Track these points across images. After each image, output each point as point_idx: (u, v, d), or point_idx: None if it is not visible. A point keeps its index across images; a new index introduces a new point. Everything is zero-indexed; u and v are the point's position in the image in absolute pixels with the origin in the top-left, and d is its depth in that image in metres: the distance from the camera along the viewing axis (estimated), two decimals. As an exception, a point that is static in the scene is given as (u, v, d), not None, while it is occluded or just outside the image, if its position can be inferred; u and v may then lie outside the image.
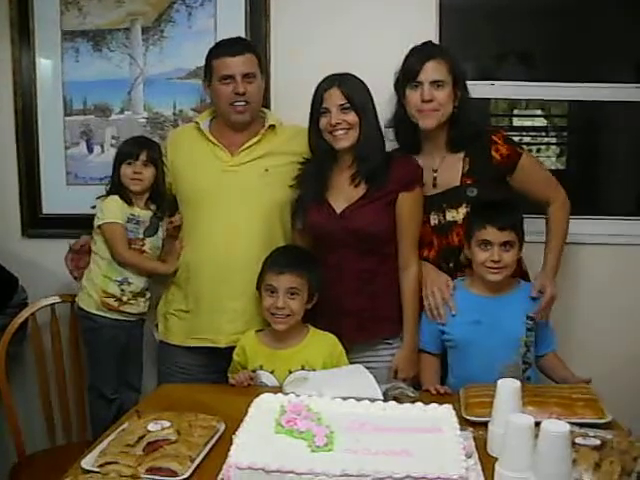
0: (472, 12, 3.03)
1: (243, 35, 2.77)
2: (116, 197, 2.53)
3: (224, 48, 2.52)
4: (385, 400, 1.84)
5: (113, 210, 2.52)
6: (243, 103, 2.49)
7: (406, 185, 2.37)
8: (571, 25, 3.23)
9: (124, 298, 2.57)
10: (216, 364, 2.47)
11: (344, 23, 2.81)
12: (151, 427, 1.77)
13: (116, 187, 2.55)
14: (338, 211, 2.40)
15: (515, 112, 4.70)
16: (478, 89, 2.53)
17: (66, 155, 2.98)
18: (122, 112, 2.95)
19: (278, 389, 2.09)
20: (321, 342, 2.34)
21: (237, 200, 2.49)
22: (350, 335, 2.38)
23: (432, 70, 2.38)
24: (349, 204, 2.39)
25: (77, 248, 2.66)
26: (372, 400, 1.76)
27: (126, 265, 2.55)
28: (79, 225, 2.67)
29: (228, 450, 1.48)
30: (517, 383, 1.78)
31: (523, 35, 3.24)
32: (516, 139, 2.64)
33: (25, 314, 2.71)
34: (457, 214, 2.43)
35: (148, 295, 2.65)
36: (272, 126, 2.58)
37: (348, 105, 2.33)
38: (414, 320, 2.41)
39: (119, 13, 2.89)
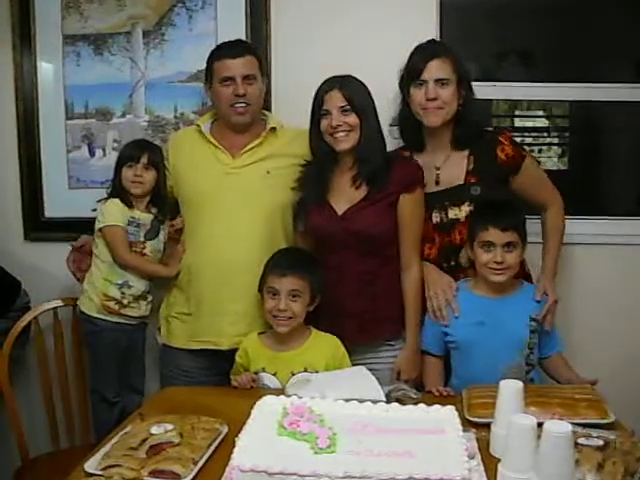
0: (472, 12, 3.02)
1: (244, 38, 2.77)
2: (117, 200, 2.54)
3: (225, 50, 2.53)
4: (388, 401, 1.84)
5: (114, 213, 2.52)
6: (243, 105, 2.49)
7: (407, 186, 2.37)
8: (572, 25, 3.22)
9: (125, 301, 2.57)
10: (218, 367, 2.47)
11: (344, 25, 2.81)
12: (154, 430, 1.77)
13: (117, 190, 2.56)
14: (339, 213, 2.40)
15: (516, 113, 4.69)
16: (479, 90, 2.53)
17: (68, 159, 2.98)
18: (123, 116, 2.95)
19: (281, 391, 2.09)
20: (323, 344, 2.34)
21: (239, 202, 2.49)
22: (352, 337, 2.38)
23: (436, 68, 2.38)
24: (350, 206, 2.39)
25: (78, 246, 2.66)
26: (375, 402, 1.75)
27: (127, 268, 2.55)
28: (81, 228, 2.67)
29: (231, 452, 1.48)
30: (519, 384, 1.78)
31: (524, 35, 3.23)
32: (518, 140, 2.64)
33: (28, 317, 2.71)
34: (460, 212, 2.43)
35: (150, 298, 2.65)
36: (273, 128, 2.58)
37: (349, 107, 2.33)
38: (416, 321, 2.41)
39: (120, 17, 2.89)
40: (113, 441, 1.80)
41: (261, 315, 2.42)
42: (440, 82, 2.38)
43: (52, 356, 2.80)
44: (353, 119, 2.33)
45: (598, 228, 2.89)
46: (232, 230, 2.48)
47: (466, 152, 2.47)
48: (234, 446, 1.51)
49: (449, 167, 2.47)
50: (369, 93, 2.38)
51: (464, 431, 1.62)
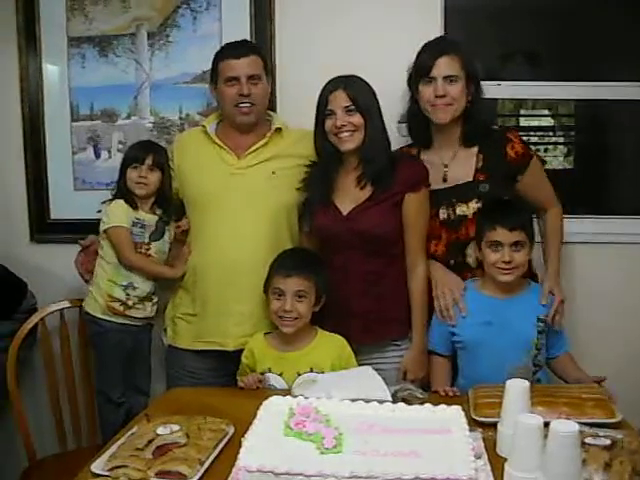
0: (477, 12, 3.02)
1: (248, 39, 2.77)
2: (121, 201, 2.54)
3: (229, 50, 2.53)
4: (394, 401, 1.84)
5: (118, 214, 2.53)
6: (248, 104, 2.49)
7: (412, 186, 2.37)
8: (576, 24, 3.22)
9: (130, 302, 2.57)
10: (224, 367, 2.47)
11: (349, 25, 2.81)
12: (160, 431, 1.77)
13: (122, 191, 2.56)
14: (344, 213, 2.40)
15: (522, 112, 4.68)
16: (484, 89, 2.52)
17: (73, 160, 2.99)
18: (129, 117, 2.95)
19: (287, 392, 2.09)
20: (329, 344, 2.34)
21: (244, 203, 2.49)
22: (357, 337, 2.38)
23: (445, 65, 2.38)
24: (355, 206, 2.39)
25: (86, 245, 2.66)
26: (381, 402, 1.75)
27: (133, 269, 2.56)
28: (87, 230, 2.68)
29: (237, 453, 1.48)
30: (526, 383, 1.78)
31: (529, 35, 3.22)
32: (523, 139, 2.64)
33: (34, 319, 2.72)
34: (467, 209, 2.43)
35: (155, 299, 2.66)
36: (279, 129, 2.58)
37: (353, 107, 2.33)
38: (422, 321, 2.41)
39: (125, 19, 2.90)
40: (119, 442, 1.81)
41: (266, 316, 2.41)
42: (449, 79, 2.38)
43: (59, 357, 2.80)
44: (358, 119, 2.33)
45: (604, 227, 2.89)
46: (237, 230, 2.48)
47: (475, 149, 2.47)
48: (240, 446, 1.51)
49: (457, 164, 2.47)
50: (374, 93, 2.38)
51: (470, 431, 1.62)
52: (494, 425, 1.81)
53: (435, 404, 1.73)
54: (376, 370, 2.18)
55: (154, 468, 1.64)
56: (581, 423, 1.59)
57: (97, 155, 2.98)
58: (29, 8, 2.90)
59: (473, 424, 1.82)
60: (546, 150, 4.67)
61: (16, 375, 2.63)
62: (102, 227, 2.56)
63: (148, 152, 2.56)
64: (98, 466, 1.69)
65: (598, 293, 2.82)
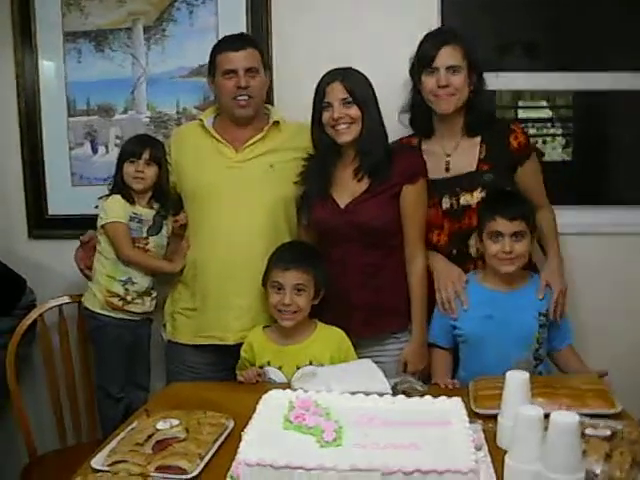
0: (474, 3, 3.02)
1: (245, 32, 2.76)
2: (118, 197, 2.54)
3: (227, 43, 2.53)
4: (394, 394, 1.84)
5: (115, 209, 2.52)
6: (246, 97, 2.49)
7: (409, 177, 2.37)
8: (574, 13, 3.22)
9: (128, 297, 2.57)
10: (224, 362, 2.47)
11: (345, 17, 2.81)
12: (160, 425, 1.77)
13: (119, 186, 2.56)
14: (342, 206, 2.40)
15: (520, 104, 4.68)
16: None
17: (70, 156, 2.99)
18: (125, 112, 2.95)
19: (286, 385, 2.09)
20: (329, 337, 2.34)
21: (242, 196, 2.48)
22: (357, 330, 2.38)
23: (447, 55, 2.38)
24: (353, 198, 2.39)
25: (85, 240, 2.65)
26: (381, 394, 1.75)
27: (131, 264, 2.55)
28: (85, 225, 2.67)
29: (237, 447, 1.48)
30: (526, 375, 1.78)
31: (526, 25, 3.22)
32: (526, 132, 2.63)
33: (33, 315, 2.72)
34: (472, 198, 2.42)
35: (154, 294, 2.65)
36: (276, 122, 2.58)
37: (350, 99, 2.32)
38: (422, 313, 2.41)
39: (120, 13, 2.89)
40: (119, 437, 1.81)
41: (265, 309, 2.41)
42: (451, 69, 2.38)
43: (58, 353, 2.80)
44: (355, 111, 2.33)
45: (602, 217, 2.88)
46: (236, 224, 2.47)
47: (477, 139, 2.47)
48: (240, 441, 1.50)
49: (460, 154, 2.47)
50: (370, 85, 2.37)
51: (471, 423, 1.61)
52: (494, 417, 1.81)
53: (435, 396, 1.73)
54: (376, 363, 2.18)
55: (154, 463, 1.64)
56: (581, 414, 1.58)
57: (94, 150, 2.98)
58: (24, 4, 2.90)
59: (473, 416, 1.82)
60: (545, 142, 4.67)
61: (16, 371, 2.63)
62: (99, 223, 2.56)
63: (145, 146, 2.56)
64: (98, 461, 1.69)
65: (597, 284, 2.81)
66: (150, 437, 1.74)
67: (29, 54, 2.92)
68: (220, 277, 2.49)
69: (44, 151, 2.98)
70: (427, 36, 2.46)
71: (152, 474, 1.61)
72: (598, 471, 1.55)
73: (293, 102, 2.68)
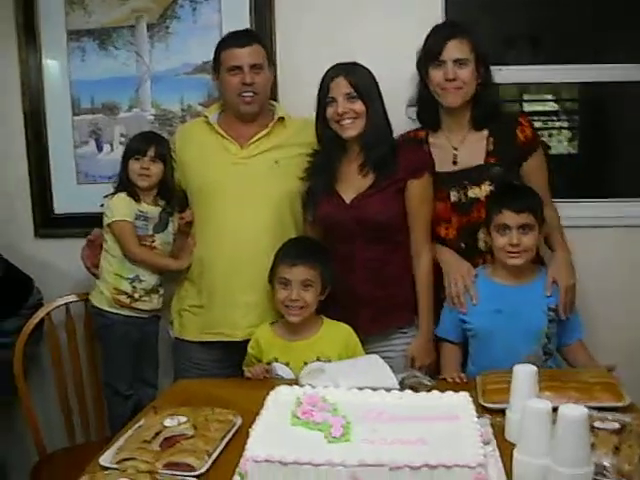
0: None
1: (249, 28, 2.76)
2: (123, 195, 2.54)
3: (232, 39, 2.53)
4: (401, 389, 1.84)
5: (121, 208, 2.52)
6: (251, 94, 2.49)
7: (414, 172, 2.37)
8: (578, 6, 3.20)
9: (136, 295, 2.57)
10: (231, 359, 2.47)
11: (349, 12, 2.80)
12: (167, 423, 1.77)
13: (124, 183, 2.56)
14: (347, 201, 2.39)
15: (525, 97, 4.67)
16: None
17: (76, 154, 2.99)
18: (130, 110, 2.95)
19: (294, 381, 2.09)
20: (336, 333, 2.34)
21: (247, 193, 2.49)
22: (365, 327, 2.38)
23: (455, 49, 2.38)
24: (358, 194, 2.39)
25: (93, 238, 2.65)
26: (388, 389, 1.75)
27: (138, 262, 2.55)
28: (91, 224, 2.67)
29: (245, 444, 1.48)
30: (534, 368, 1.77)
31: (530, 18, 3.21)
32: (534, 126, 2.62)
33: (40, 314, 2.72)
34: (480, 191, 2.42)
35: (161, 291, 2.66)
36: (281, 118, 2.58)
37: (355, 94, 2.32)
38: (429, 308, 2.41)
39: (123, 11, 2.89)
40: (127, 435, 1.81)
41: (272, 306, 2.41)
42: (459, 62, 2.37)
43: (66, 352, 2.81)
44: (359, 106, 2.32)
45: (608, 211, 2.87)
46: (241, 220, 2.47)
47: (485, 132, 2.46)
48: (248, 437, 1.50)
49: (467, 147, 2.47)
50: (374, 79, 2.37)
51: (479, 417, 1.61)
52: (502, 411, 1.81)
53: (443, 391, 1.72)
54: (383, 358, 2.17)
55: (162, 460, 1.64)
56: (590, 407, 1.58)
57: (99, 148, 2.98)
58: (28, 3, 2.89)
59: (481, 410, 1.82)
60: (550, 135, 4.66)
61: (24, 370, 2.64)
62: (105, 221, 2.56)
63: (150, 143, 2.56)
64: (106, 459, 1.69)
65: (602, 277, 2.80)
66: (158, 434, 1.74)
67: (33, 53, 2.92)
68: (227, 274, 2.49)
69: (49, 150, 2.98)
70: (434, 29, 2.46)
71: (160, 471, 1.61)
72: (607, 464, 1.54)
73: (297, 98, 2.68)
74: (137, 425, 1.85)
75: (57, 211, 3.02)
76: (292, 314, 2.30)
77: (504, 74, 2.81)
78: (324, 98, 2.36)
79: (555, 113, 4.71)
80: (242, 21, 2.79)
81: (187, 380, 2.42)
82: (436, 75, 2.40)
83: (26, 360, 2.67)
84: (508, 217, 2.25)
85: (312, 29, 2.82)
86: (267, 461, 1.39)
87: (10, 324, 2.71)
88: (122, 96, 2.94)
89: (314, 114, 2.42)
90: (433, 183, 2.42)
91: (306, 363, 2.25)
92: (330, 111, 2.35)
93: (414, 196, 2.37)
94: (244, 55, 2.47)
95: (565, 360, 2.41)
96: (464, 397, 1.67)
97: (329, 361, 2.23)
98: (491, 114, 2.46)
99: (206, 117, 2.60)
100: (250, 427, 1.57)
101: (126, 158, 2.56)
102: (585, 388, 1.93)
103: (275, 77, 2.73)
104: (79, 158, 2.99)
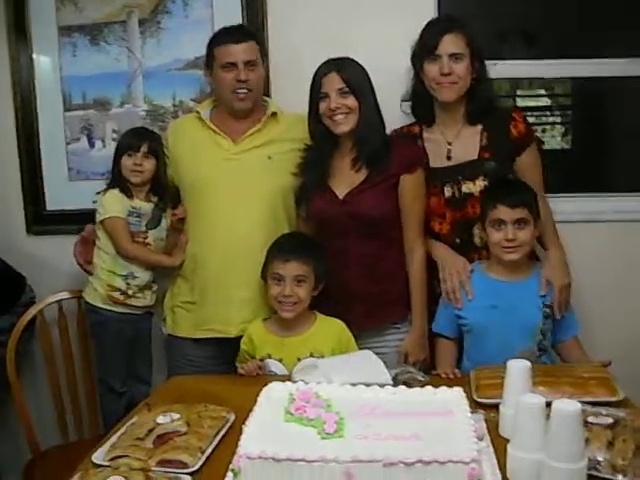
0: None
1: (243, 24, 2.75)
2: (115, 191, 2.53)
3: (226, 36, 2.51)
4: (395, 385, 1.83)
5: (113, 204, 2.51)
6: (245, 91, 2.48)
7: (407, 167, 2.36)
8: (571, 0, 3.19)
9: (130, 292, 2.57)
10: (224, 355, 2.47)
11: (342, 7, 2.79)
12: (160, 420, 1.77)
13: (116, 179, 2.55)
14: (340, 197, 2.39)
15: (518, 92, 4.66)
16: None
17: (67, 151, 2.97)
18: (122, 105, 2.93)
19: (287, 377, 2.08)
20: (329, 328, 2.33)
21: (240, 188, 2.48)
22: (359, 322, 2.38)
23: (450, 43, 2.37)
24: (351, 189, 2.38)
25: (87, 235, 2.64)
26: (382, 385, 1.74)
27: (131, 259, 2.54)
28: (83, 220, 2.66)
29: (238, 440, 1.47)
30: (527, 363, 1.76)
31: (523, 13, 3.19)
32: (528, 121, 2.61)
33: (33, 311, 2.71)
34: (474, 186, 2.42)
35: (155, 287, 2.65)
36: (274, 114, 2.57)
37: (347, 89, 2.32)
38: (421, 303, 2.40)
39: (115, 6, 2.87)
40: (120, 432, 1.80)
41: (265, 302, 2.41)
42: (454, 57, 2.37)
43: (58, 349, 2.80)
44: (352, 101, 2.32)
45: (602, 206, 2.88)
46: (234, 216, 2.47)
47: (479, 127, 2.46)
48: (241, 434, 1.50)
49: (461, 142, 2.46)
50: (367, 75, 2.37)
51: (472, 412, 1.60)
52: (496, 406, 1.80)
53: (436, 386, 1.72)
54: (376, 353, 2.17)
55: (155, 457, 1.64)
56: (583, 402, 1.58)
57: (91, 145, 2.97)
58: (18, -1, 2.87)
59: (475, 406, 1.82)
60: (544, 130, 4.64)
61: (17, 368, 2.63)
62: (98, 218, 2.55)
63: (143, 139, 2.54)
64: (99, 457, 1.69)
65: (597, 272, 2.80)
66: (151, 431, 1.74)
67: (24, 49, 2.90)
68: (220, 270, 2.49)
69: (41, 146, 2.96)
70: (430, 23, 2.45)
71: (153, 468, 1.61)
72: (601, 459, 1.55)
73: (290, 93, 2.67)
74: (130, 422, 1.85)
75: (49, 208, 3.01)
76: (285, 310, 2.29)
77: (498, 69, 2.80)
78: (316, 93, 2.35)
79: (548, 108, 4.69)
80: (234, 16, 2.78)
81: (180, 377, 2.41)
82: (431, 70, 2.40)
83: (19, 357, 2.66)
84: (503, 212, 2.25)
85: (305, 23, 2.81)
86: (260, 458, 1.39)
87: (2, 322, 2.69)
88: (114, 92, 2.93)
89: (306, 110, 2.40)
90: (427, 178, 2.42)
91: (299, 359, 2.24)
92: (323, 106, 2.34)
93: (407, 191, 2.37)
94: (239, 52, 2.46)
95: (559, 356, 2.41)
96: (457, 392, 1.67)
97: (322, 357, 2.23)
98: (485, 109, 2.46)
99: (198, 113, 2.59)
100: (243, 424, 1.56)
101: (118, 154, 2.55)
102: (579, 383, 1.93)
103: (267, 72, 2.72)
104: (71, 154, 2.98)
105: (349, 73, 2.32)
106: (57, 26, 2.90)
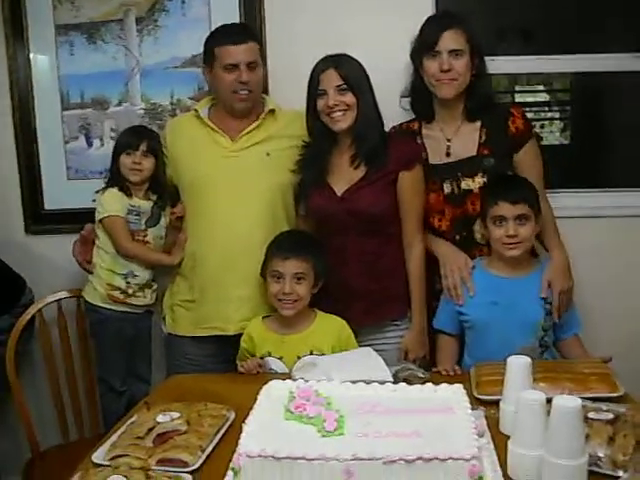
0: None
1: (237, 21, 2.75)
2: (115, 190, 2.52)
3: (228, 36, 2.48)
4: (395, 382, 1.83)
5: (112, 203, 2.51)
6: (246, 92, 2.47)
7: (406, 164, 2.36)
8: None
9: (130, 290, 2.56)
10: (224, 353, 2.46)
11: (340, 2, 2.78)
12: (160, 418, 1.77)
13: (115, 178, 2.54)
14: (339, 194, 2.39)
15: (517, 88, 4.65)
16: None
17: (65, 150, 2.96)
18: (120, 104, 2.92)
19: (287, 375, 2.08)
20: (329, 326, 2.33)
21: (239, 186, 2.47)
22: (358, 319, 2.37)
23: (450, 39, 2.37)
24: (349, 186, 2.38)
25: (86, 234, 2.64)
26: (382, 382, 1.75)
27: (130, 257, 2.54)
28: (82, 219, 2.66)
29: (238, 438, 1.47)
30: (528, 360, 1.76)
31: (522, 8, 3.19)
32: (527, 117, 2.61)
33: (32, 311, 2.71)
34: (473, 183, 2.41)
35: (155, 286, 2.65)
36: (272, 111, 2.56)
37: (345, 86, 2.31)
38: (421, 300, 2.40)
39: (112, 4, 2.86)
40: (120, 431, 1.80)
41: (265, 300, 2.40)
42: (454, 53, 2.37)
43: (58, 348, 2.80)
44: (350, 98, 2.31)
45: (601, 201, 2.87)
46: (233, 214, 2.46)
47: (478, 124, 2.46)
48: (241, 432, 1.50)
49: (460, 138, 2.46)
50: (365, 71, 2.36)
51: (473, 409, 1.61)
52: (497, 403, 1.80)
53: (437, 383, 1.72)
54: (376, 350, 2.17)
55: (155, 456, 1.64)
56: (584, 398, 1.58)
57: (89, 143, 2.96)
58: (15, -2, 2.86)
59: (475, 402, 1.82)
60: (542, 126, 4.64)
61: (16, 367, 2.63)
62: (97, 217, 2.55)
63: (142, 138, 2.54)
64: (99, 456, 1.68)
65: (596, 267, 2.80)
66: (151, 430, 1.74)
67: (21, 49, 2.89)
68: (219, 268, 2.48)
69: (39, 146, 2.95)
70: (429, 19, 2.45)
71: (153, 467, 1.61)
72: (601, 455, 1.55)
73: (287, 91, 2.66)
74: (130, 421, 1.85)
75: (47, 207, 2.99)
76: (285, 307, 2.29)
77: (496, 64, 2.80)
78: (314, 90, 2.34)
79: (547, 104, 4.70)
80: (231, 14, 2.77)
81: (180, 375, 2.41)
82: (431, 66, 2.39)
83: (18, 357, 2.66)
84: (504, 208, 2.25)
85: (303, 20, 2.80)
86: (260, 456, 1.39)
87: (2, 322, 2.68)
88: (112, 90, 2.92)
89: (304, 107, 2.40)
90: (426, 174, 2.42)
91: (299, 357, 2.25)
92: (321, 103, 2.33)
93: (406, 188, 2.37)
94: (240, 53, 2.45)
95: (559, 353, 2.41)
96: (458, 389, 1.67)
97: (322, 354, 2.23)
98: (484, 105, 2.46)
99: (196, 111, 2.59)
100: (243, 422, 1.56)
101: (117, 153, 2.55)
102: (580, 379, 1.93)
103: (265, 70, 2.71)
104: (69, 153, 2.96)
105: (347, 70, 2.32)
106: (54, 25, 2.88)
